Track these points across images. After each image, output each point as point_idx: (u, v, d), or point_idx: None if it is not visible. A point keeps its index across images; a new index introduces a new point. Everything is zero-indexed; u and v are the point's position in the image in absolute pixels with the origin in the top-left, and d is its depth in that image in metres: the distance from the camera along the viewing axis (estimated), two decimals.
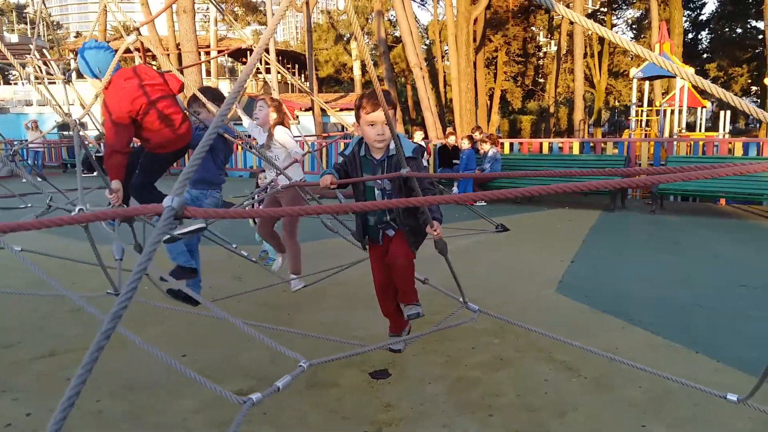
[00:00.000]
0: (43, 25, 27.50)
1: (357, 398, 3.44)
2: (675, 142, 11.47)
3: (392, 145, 2.96)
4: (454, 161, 11.69)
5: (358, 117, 3.01)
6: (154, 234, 1.05)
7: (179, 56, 21.06)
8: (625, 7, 39.41)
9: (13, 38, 24.64)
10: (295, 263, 5.18)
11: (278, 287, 5.58)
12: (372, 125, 2.95)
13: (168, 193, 3.66)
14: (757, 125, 39.34)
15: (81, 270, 5.56)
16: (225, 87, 29.49)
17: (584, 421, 3.14)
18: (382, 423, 3.15)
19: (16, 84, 29.82)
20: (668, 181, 1.31)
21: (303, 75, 34.34)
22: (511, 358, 3.96)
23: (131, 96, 3.81)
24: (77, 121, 2.79)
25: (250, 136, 5.49)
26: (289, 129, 5.29)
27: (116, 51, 3.57)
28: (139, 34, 2.92)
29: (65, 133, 24.01)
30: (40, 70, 6.05)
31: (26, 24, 29.73)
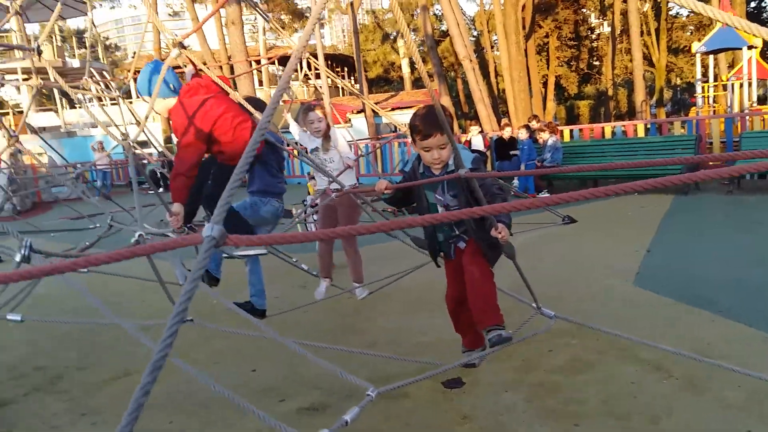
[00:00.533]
0: (101, 47, 28.57)
1: (431, 410, 3.30)
2: (747, 118, 10.81)
3: (451, 160, 2.79)
4: (512, 152, 11.34)
5: (413, 139, 2.87)
6: (195, 265, 0.93)
7: (231, 67, 21.43)
8: None
9: (75, 63, 25.65)
10: (356, 272, 5.12)
11: (345, 293, 5.50)
12: (427, 150, 2.82)
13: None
14: None
15: (149, 287, 5.62)
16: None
17: (681, 428, 2.89)
18: None
19: (81, 107, 31.11)
20: None
21: (353, 77, 34.44)
22: (592, 360, 3.72)
23: (196, 105, 3.77)
24: (131, 143, 2.76)
25: (297, 143, 5.44)
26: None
27: (173, 68, 3.55)
28: (183, 47, 2.87)
29: (138, 151, 24.81)
30: (102, 93, 6.15)
31: (86, 48, 30.97)
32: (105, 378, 4.13)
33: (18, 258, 1.86)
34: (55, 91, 26.30)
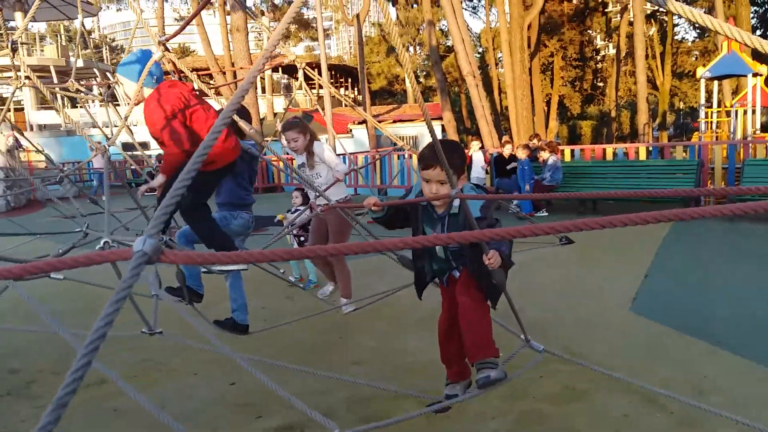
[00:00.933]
0: (106, 49, 28.57)
1: None
2: (750, 145, 10.71)
3: (456, 201, 2.57)
4: (509, 167, 11.19)
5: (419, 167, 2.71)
6: (121, 283, 0.80)
7: (234, 74, 21.39)
8: (687, 5, 37.87)
9: (79, 63, 25.61)
10: (345, 288, 5.00)
11: (329, 300, 5.36)
12: (427, 181, 2.61)
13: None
14: None
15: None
16: (280, 103, 29.85)
17: None
18: None
19: (82, 107, 31.05)
20: None
21: (356, 88, 34.42)
22: (584, 389, 3.57)
23: (176, 96, 3.62)
24: (107, 147, 2.63)
25: (288, 154, 5.32)
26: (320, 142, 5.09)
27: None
28: (167, 50, 2.74)
29: (130, 153, 24.72)
30: (85, 94, 6.02)
31: (92, 49, 30.96)
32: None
33: None
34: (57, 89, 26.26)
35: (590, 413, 3.28)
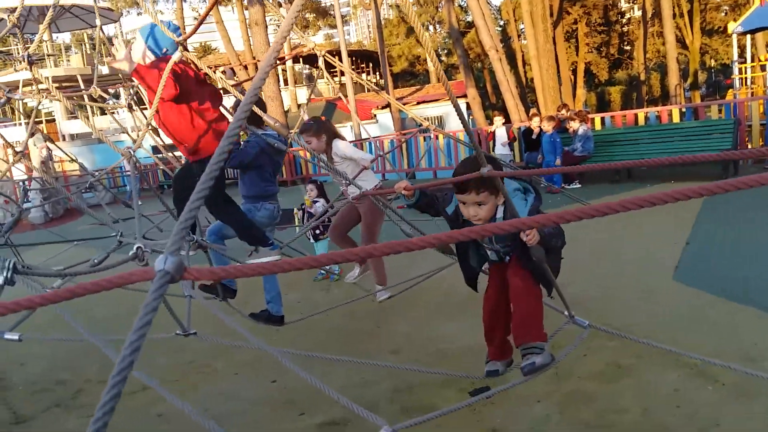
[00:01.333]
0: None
1: (459, 423, 3.10)
2: None
3: (499, 213, 2.46)
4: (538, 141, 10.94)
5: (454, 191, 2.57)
6: (144, 307, 0.76)
7: (256, 67, 21.40)
8: None
9: (104, 70, 25.99)
10: (379, 275, 4.93)
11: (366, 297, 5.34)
12: (464, 204, 2.49)
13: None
14: None
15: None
16: (303, 94, 29.85)
17: None
18: None
19: (110, 114, 31.60)
20: None
21: (378, 72, 34.21)
22: (631, 365, 3.48)
23: (177, 69, 3.53)
24: (132, 152, 2.62)
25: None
26: (344, 138, 5.01)
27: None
28: (185, 50, 2.71)
29: (160, 155, 25.07)
30: (135, 101, 6.01)
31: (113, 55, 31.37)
32: (124, 392, 4.02)
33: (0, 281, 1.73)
34: (85, 98, 26.70)
35: (638, 390, 3.20)
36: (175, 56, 2.75)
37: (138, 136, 3.63)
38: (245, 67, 22.84)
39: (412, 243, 0.93)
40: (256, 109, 3.65)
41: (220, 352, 4.52)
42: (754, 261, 5.13)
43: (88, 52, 28.45)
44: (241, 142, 4.24)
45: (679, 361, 3.45)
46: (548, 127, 10.46)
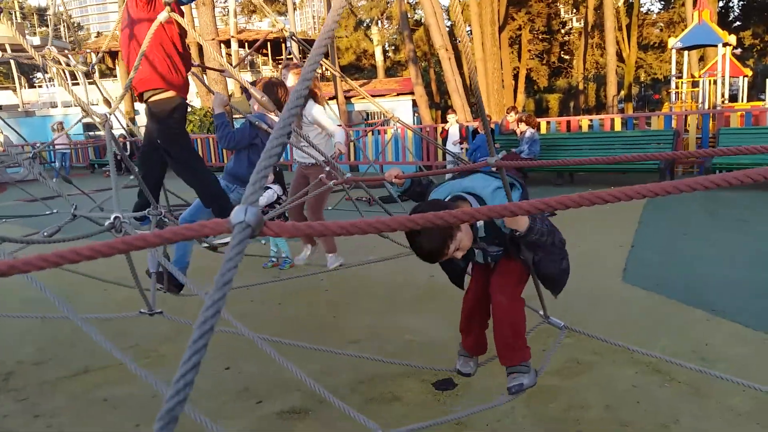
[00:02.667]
0: (64, 26, 27.49)
1: (423, 415, 3.05)
2: (724, 114, 10.81)
3: (480, 223, 2.38)
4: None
5: None
6: (228, 256, 0.66)
7: (200, 49, 20.78)
8: None
9: (35, 41, 24.63)
10: (328, 242, 4.81)
11: (320, 287, 5.24)
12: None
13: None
14: None
15: (116, 273, 5.25)
16: (247, 78, 29.19)
17: None
18: None
19: (40, 87, 29.96)
20: None
21: (323, 64, 33.82)
22: (590, 362, 3.54)
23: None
24: (108, 115, 2.43)
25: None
26: (324, 108, 4.87)
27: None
28: (172, 9, 2.55)
29: (91, 133, 24.00)
30: (63, 73, 5.72)
31: (47, 26, 29.80)
32: (62, 375, 3.78)
33: None
34: (14, 69, 25.26)
35: (599, 386, 3.24)
36: (161, 16, 2.59)
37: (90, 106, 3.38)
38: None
39: (385, 223, 0.85)
40: (254, 92, 3.51)
41: (165, 337, 4.32)
42: (697, 263, 5.34)
43: (19, 20, 26.91)
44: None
45: (634, 358, 3.53)
46: (524, 128, 10.64)
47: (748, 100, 18.17)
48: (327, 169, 4.25)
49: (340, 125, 5.10)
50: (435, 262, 2.26)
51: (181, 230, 0.68)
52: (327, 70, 29.81)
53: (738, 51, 24.83)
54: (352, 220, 0.78)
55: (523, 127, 10.72)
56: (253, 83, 5.29)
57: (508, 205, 0.91)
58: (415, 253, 2.20)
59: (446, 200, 2.33)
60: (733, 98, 16.70)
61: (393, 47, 43.45)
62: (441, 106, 33.85)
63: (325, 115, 4.73)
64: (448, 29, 37.83)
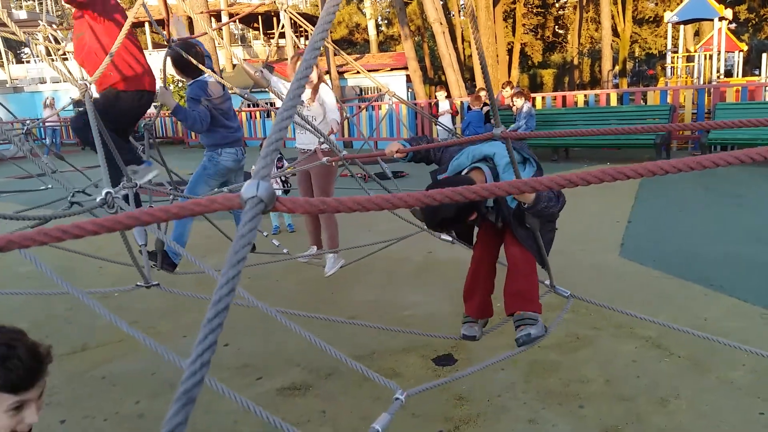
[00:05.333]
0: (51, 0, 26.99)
1: (425, 392, 3.05)
2: (720, 89, 10.77)
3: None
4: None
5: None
6: (241, 233, 0.63)
7: (190, 22, 20.47)
8: None
9: (22, 14, 24.15)
10: (332, 239, 4.69)
11: (319, 263, 5.21)
12: None
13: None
14: None
15: (108, 250, 5.21)
16: (238, 53, 28.81)
17: (692, 411, 2.72)
18: (459, 420, 2.77)
19: (28, 62, 29.49)
20: None
21: None
22: (589, 336, 3.54)
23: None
24: (88, 84, 2.35)
25: (272, 104, 5.06)
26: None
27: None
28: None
29: (81, 109, 23.69)
30: (51, 47, 5.62)
31: (34, 0, 29.26)
32: (60, 353, 3.76)
33: None
34: (0, 44, 24.81)
35: (599, 360, 3.26)
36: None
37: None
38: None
39: (410, 198, 0.81)
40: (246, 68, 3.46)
41: (164, 312, 4.31)
42: (694, 238, 5.35)
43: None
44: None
45: (634, 333, 3.54)
46: (475, 105, 10.45)
47: (743, 75, 18.12)
48: (324, 147, 4.23)
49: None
50: (444, 231, 2.29)
51: (190, 205, 0.65)
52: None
53: (733, 26, 24.72)
54: (370, 195, 0.74)
55: (519, 102, 10.63)
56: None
57: (528, 181, 0.88)
58: (426, 223, 2.22)
59: (464, 173, 2.33)
60: (728, 73, 16.64)
61: (386, 21, 42.96)
62: (435, 81, 33.57)
63: (333, 97, 4.69)
64: (442, 2, 37.43)
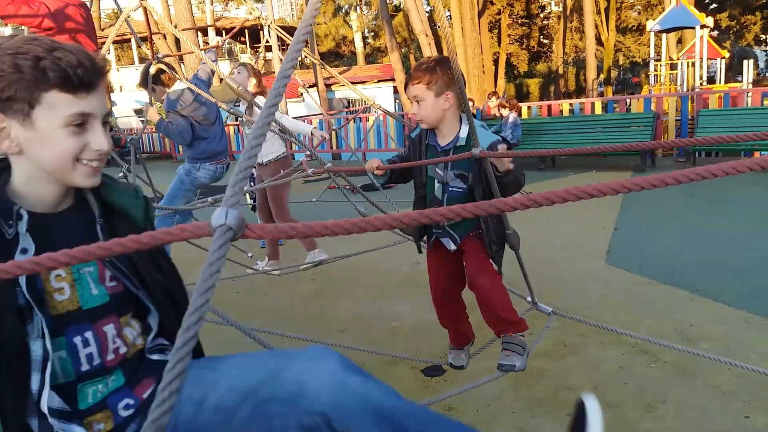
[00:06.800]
0: None
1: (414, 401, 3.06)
2: (703, 96, 10.91)
3: (463, 132, 2.34)
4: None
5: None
6: (209, 261, 0.64)
7: (175, 38, 20.49)
8: None
9: (7, 31, 24.11)
10: (307, 241, 4.88)
11: (306, 276, 5.22)
12: (414, 100, 2.34)
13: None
14: None
15: None
16: (225, 67, 28.84)
17: (680, 416, 2.74)
18: None
19: None
20: None
21: (302, 51, 33.51)
22: (576, 344, 3.56)
23: None
24: None
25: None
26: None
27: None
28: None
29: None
30: None
31: None
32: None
33: None
34: None
35: (586, 367, 3.27)
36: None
37: None
38: (164, 36, 21.79)
39: (374, 222, 0.83)
40: (230, 82, 3.49)
41: None
42: (678, 244, 5.40)
43: None
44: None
45: (620, 340, 3.57)
46: (507, 113, 10.65)
47: (725, 82, 18.36)
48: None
49: (321, 113, 5.13)
50: (411, 78, 2.29)
51: (161, 234, 0.66)
52: (306, 57, 29.53)
53: (715, 33, 25.07)
54: (337, 220, 0.75)
55: (505, 112, 10.73)
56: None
57: (503, 200, 0.86)
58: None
59: None
60: (711, 80, 16.87)
61: (372, 33, 43.21)
62: None
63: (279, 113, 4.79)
64: (427, 14, 37.71)
